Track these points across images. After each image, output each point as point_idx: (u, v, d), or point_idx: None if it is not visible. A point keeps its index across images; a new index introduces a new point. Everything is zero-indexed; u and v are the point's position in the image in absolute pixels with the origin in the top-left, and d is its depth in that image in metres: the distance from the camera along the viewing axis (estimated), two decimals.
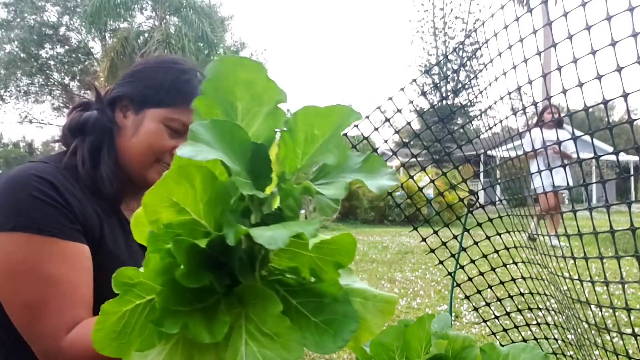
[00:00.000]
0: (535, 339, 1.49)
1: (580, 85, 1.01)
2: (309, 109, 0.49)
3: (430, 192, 7.16)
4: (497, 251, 1.48)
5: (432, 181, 1.68)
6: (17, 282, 0.88)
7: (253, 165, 0.48)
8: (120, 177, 1.08)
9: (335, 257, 0.46)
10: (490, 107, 1.42)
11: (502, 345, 0.86)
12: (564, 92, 1.06)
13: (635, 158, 23.73)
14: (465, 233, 1.51)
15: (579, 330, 1.24)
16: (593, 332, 1.19)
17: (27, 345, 0.94)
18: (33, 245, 0.89)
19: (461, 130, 1.78)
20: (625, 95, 0.93)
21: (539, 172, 1.20)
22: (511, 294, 1.53)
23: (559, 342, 1.42)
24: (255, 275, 0.48)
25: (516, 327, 1.51)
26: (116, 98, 1.09)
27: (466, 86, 1.72)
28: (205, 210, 0.46)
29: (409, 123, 1.67)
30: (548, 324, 1.48)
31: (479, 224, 1.49)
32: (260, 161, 0.48)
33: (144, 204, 0.45)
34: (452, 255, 1.55)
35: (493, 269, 1.51)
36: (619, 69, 0.92)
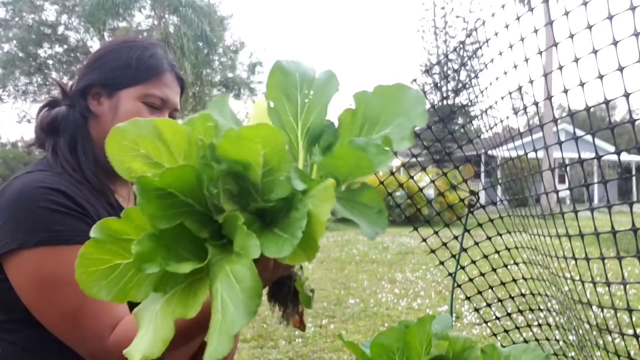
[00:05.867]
0: (537, 340, 1.48)
1: (582, 84, 1.01)
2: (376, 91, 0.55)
3: (430, 192, 7.16)
4: (498, 252, 1.47)
5: (433, 181, 1.68)
6: (52, 295, 0.89)
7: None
8: (103, 166, 1.06)
9: (275, 164, 0.48)
10: (491, 106, 1.42)
11: (504, 347, 0.86)
12: (566, 91, 1.06)
13: (637, 158, 23.73)
14: (466, 233, 1.50)
15: (581, 331, 1.24)
16: (594, 333, 1.18)
17: (42, 347, 0.95)
18: (60, 256, 0.89)
19: (462, 130, 1.77)
20: (626, 95, 0.92)
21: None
22: (512, 295, 1.53)
23: (561, 343, 1.41)
24: (225, 209, 0.50)
25: (517, 328, 1.50)
26: (86, 87, 1.07)
27: (467, 86, 1.71)
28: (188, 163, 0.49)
29: None
30: (549, 325, 1.48)
31: (480, 225, 1.49)
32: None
33: (108, 154, 0.49)
34: (453, 256, 1.54)
35: (494, 270, 1.50)
36: (621, 69, 0.91)
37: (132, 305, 0.91)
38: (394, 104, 0.55)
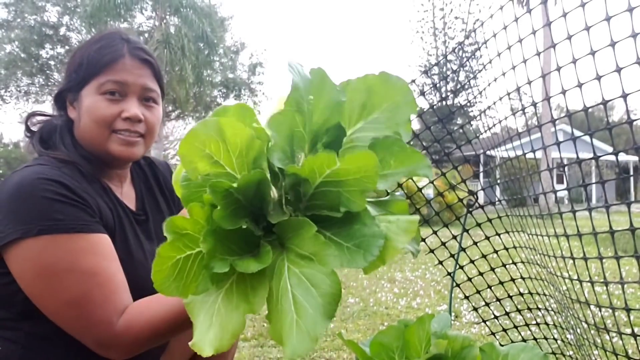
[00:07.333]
0: (535, 339, 1.49)
1: (580, 85, 1.01)
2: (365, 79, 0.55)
3: (429, 192, 7.14)
4: (496, 251, 1.48)
5: (432, 181, 1.68)
6: (56, 283, 0.89)
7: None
8: (93, 162, 1.08)
9: (360, 185, 0.49)
10: (489, 107, 1.42)
11: (502, 345, 0.86)
12: (564, 92, 1.06)
13: (635, 158, 23.71)
14: (465, 233, 1.51)
15: (579, 330, 1.24)
16: (592, 332, 1.19)
17: (43, 344, 0.95)
18: (62, 244, 0.90)
19: (460, 131, 1.78)
20: (624, 96, 0.93)
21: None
22: (511, 294, 1.53)
23: (559, 342, 1.42)
24: (286, 214, 0.52)
25: (515, 327, 1.51)
26: (59, 97, 1.10)
27: (465, 86, 1.72)
28: (238, 162, 0.51)
29: None
30: (547, 324, 1.48)
31: (479, 224, 1.49)
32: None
33: (180, 155, 0.50)
34: (452, 256, 1.55)
35: (492, 269, 1.51)
36: (619, 70, 0.92)
37: (133, 293, 0.93)
38: (379, 91, 0.55)
